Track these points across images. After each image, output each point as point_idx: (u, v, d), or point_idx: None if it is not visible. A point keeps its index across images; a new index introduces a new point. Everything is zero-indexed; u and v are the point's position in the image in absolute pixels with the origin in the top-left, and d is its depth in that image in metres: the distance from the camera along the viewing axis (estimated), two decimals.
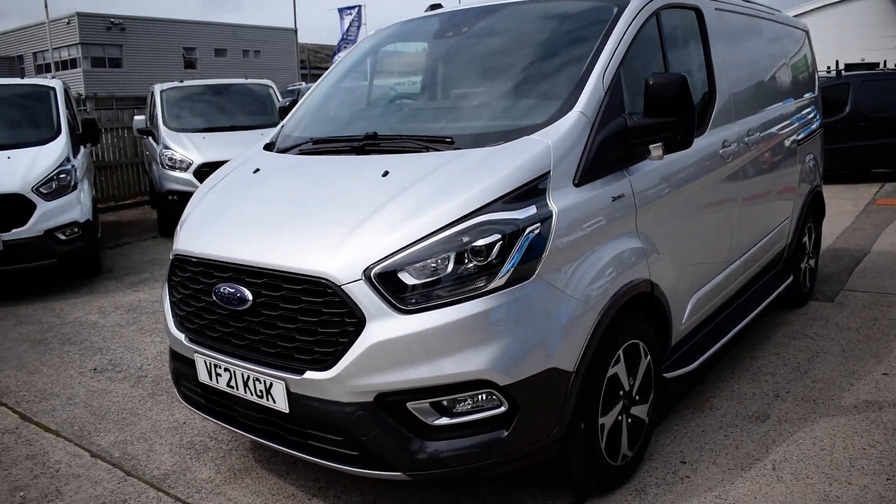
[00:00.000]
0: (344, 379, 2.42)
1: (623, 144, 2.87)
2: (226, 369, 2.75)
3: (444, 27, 3.82)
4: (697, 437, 3.42)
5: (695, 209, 3.45)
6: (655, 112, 2.85)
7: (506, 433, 2.46)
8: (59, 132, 7.44)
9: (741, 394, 3.89)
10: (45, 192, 6.63)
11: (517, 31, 3.51)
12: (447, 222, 2.44)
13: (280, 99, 10.69)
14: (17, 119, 7.62)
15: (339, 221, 2.59)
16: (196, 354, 2.86)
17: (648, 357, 3.08)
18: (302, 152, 3.29)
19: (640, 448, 3.12)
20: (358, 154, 3.04)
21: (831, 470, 3.06)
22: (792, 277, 4.98)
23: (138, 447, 3.61)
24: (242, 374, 2.68)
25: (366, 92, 3.84)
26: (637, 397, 3.02)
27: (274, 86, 11.19)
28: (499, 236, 2.43)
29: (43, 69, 41.01)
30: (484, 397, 2.44)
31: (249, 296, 2.62)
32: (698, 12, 3.74)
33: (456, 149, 2.82)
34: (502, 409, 2.46)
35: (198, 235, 2.96)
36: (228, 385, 2.76)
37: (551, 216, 2.54)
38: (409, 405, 2.43)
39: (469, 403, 2.45)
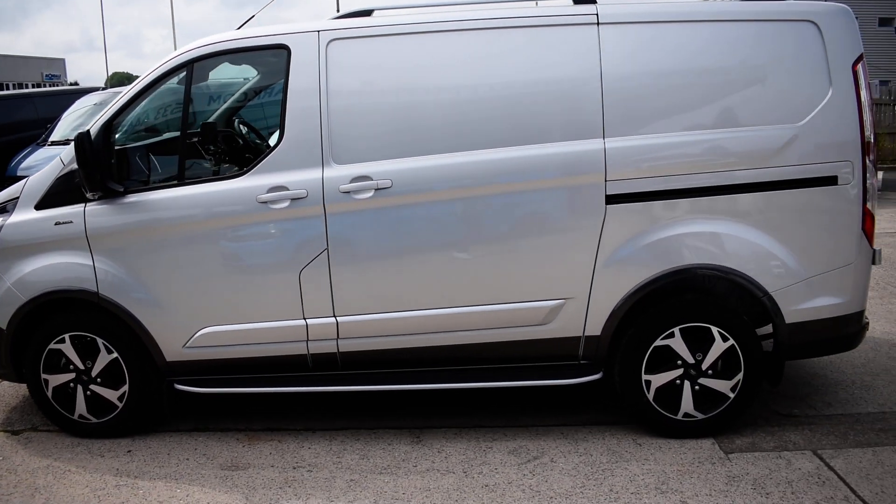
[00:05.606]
0: None
1: (71, 184, 3.70)
2: None
3: None
4: (154, 459, 3.71)
5: (199, 247, 3.63)
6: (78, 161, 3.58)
7: None
8: None
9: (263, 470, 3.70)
10: None
11: None
12: None
13: None
14: None
15: None
16: None
17: (114, 354, 3.81)
18: None
19: (120, 422, 3.90)
20: None
21: None
22: (597, 376, 3.67)
23: None
24: None
25: None
26: (99, 379, 3.85)
27: None
28: None
29: None
30: None
31: None
32: (289, 51, 3.56)
33: None
34: None
35: None
36: None
37: (1, 227, 3.84)
38: None
39: None
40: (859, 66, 3.45)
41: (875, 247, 3.63)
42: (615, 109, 3.44)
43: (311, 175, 3.56)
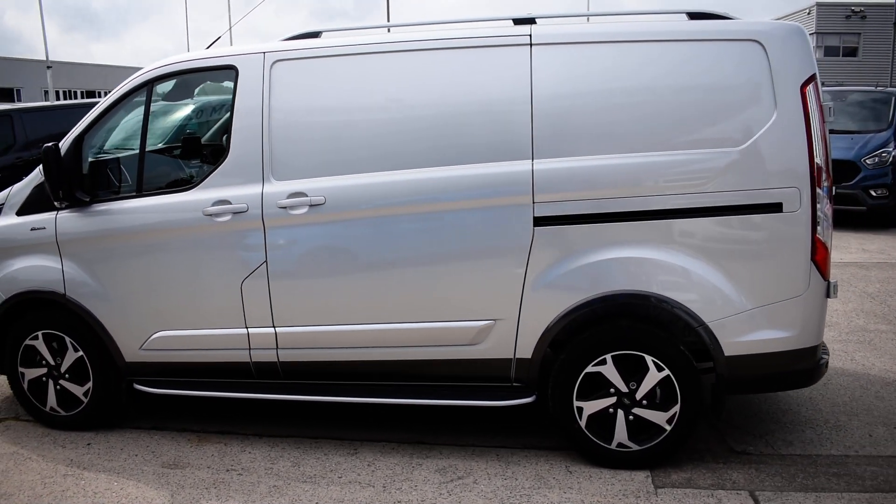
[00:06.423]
0: None
1: (46, 193, 3.97)
2: None
3: None
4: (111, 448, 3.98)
5: (152, 256, 3.81)
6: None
7: None
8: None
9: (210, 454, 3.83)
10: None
11: None
12: None
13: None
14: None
15: None
16: None
17: (80, 352, 4.06)
18: None
19: (85, 416, 4.15)
20: None
21: None
22: (531, 399, 3.63)
23: None
24: None
25: None
26: (67, 375, 4.11)
27: None
28: None
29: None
30: None
31: None
32: (237, 71, 3.70)
33: None
34: None
35: None
36: None
37: None
38: None
39: None
40: (809, 88, 3.26)
41: (831, 279, 3.41)
42: (545, 131, 3.39)
43: (252, 190, 3.68)
